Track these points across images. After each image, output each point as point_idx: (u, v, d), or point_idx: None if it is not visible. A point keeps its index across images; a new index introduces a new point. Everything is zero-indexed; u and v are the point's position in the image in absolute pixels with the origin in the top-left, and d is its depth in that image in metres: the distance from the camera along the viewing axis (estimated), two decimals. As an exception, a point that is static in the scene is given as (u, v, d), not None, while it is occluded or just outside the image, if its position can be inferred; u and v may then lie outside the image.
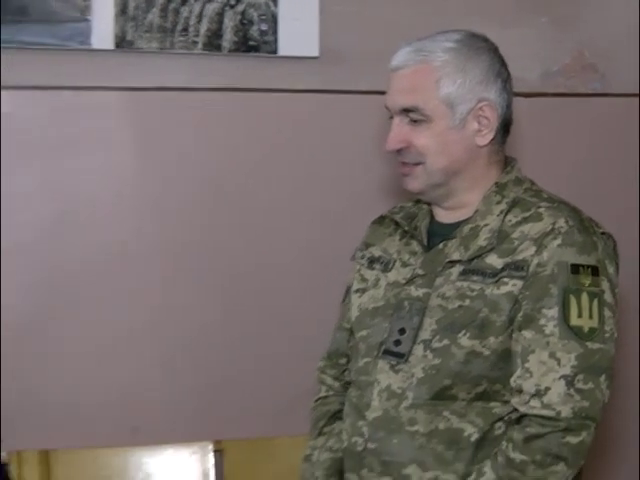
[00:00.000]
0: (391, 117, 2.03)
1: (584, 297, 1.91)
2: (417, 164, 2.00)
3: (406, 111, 1.99)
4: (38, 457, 2.78)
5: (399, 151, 2.01)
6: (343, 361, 2.19)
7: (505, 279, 1.93)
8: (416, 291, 2.02)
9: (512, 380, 1.92)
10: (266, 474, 2.85)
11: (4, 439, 2.55)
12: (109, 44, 2.78)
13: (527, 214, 1.98)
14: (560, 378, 1.87)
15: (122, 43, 2.79)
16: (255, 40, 2.86)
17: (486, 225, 1.99)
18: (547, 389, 1.87)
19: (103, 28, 2.77)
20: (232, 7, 2.84)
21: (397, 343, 2.01)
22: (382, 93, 2.06)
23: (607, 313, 1.93)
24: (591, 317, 1.91)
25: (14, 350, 2.80)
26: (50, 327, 2.84)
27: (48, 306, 2.83)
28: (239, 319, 2.94)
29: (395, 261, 2.10)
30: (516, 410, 1.92)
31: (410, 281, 2.04)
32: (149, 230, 2.89)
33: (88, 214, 2.86)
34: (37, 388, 2.82)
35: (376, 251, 2.15)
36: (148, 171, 2.89)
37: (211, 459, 2.86)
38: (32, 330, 2.82)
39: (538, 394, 1.87)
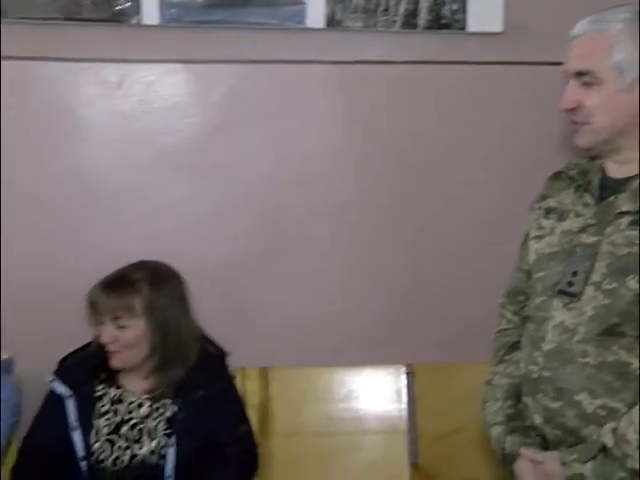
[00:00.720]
0: (568, 81, 1.96)
1: None
2: (585, 123, 1.95)
3: (580, 75, 1.94)
4: (258, 373, 2.85)
5: (572, 111, 1.96)
6: (521, 298, 2.15)
7: (672, 229, 1.85)
8: (587, 238, 1.96)
9: (676, 321, 1.84)
10: (451, 395, 2.84)
11: (232, 356, 2.62)
12: (321, 23, 2.79)
13: (694, 170, 1.88)
14: None
15: (332, 22, 2.79)
16: (447, 18, 2.82)
17: (655, 180, 1.91)
18: None
19: (316, 10, 2.78)
20: (427, -11, 2.81)
21: (570, 284, 1.95)
22: (559, 64, 2.00)
23: None
24: None
25: (238, 285, 2.88)
26: (265, 265, 2.89)
27: (264, 248, 2.89)
28: (432, 262, 2.94)
29: (569, 212, 2.04)
30: (680, 348, 1.84)
31: (582, 229, 1.98)
32: (349, 187, 2.90)
33: (298, 173, 2.89)
34: (259, 316, 2.89)
35: (552, 202, 2.10)
36: (351, 135, 2.90)
37: (403, 380, 2.87)
38: (252, 268, 2.88)
39: (700, 333, 1.80)
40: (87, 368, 2.53)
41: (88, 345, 2.59)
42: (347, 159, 2.90)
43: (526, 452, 1.99)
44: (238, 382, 2.68)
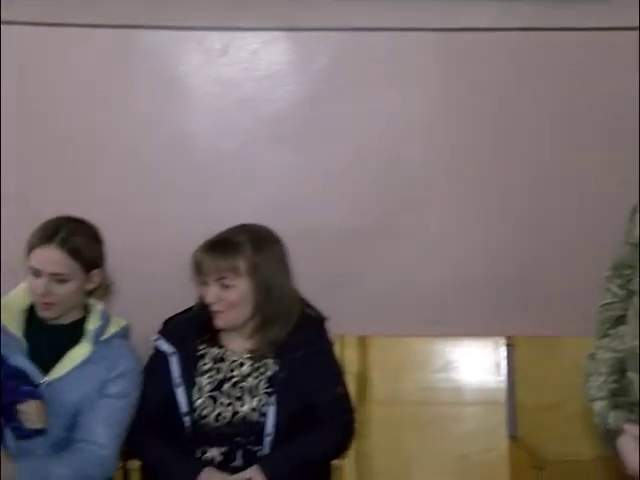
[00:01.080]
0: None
1: None
2: None
3: None
4: (357, 341, 2.84)
5: None
6: (628, 272, 2.08)
7: None
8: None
9: None
10: (552, 368, 2.80)
11: (331, 323, 2.62)
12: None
13: None
14: None
15: (435, -13, 2.76)
16: (555, -16, 2.75)
17: None
18: None
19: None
20: (533, -44, 2.74)
21: (680, 258, 1.89)
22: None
23: None
24: None
25: (339, 252, 2.89)
26: (367, 233, 2.90)
27: (365, 216, 2.89)
28: (535, 233, 2.90)
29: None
30: None
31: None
32: (453, 156, 2.88)
33: (399, 141, 2.87)
34: (359, 284, 2.90)
35: (663, 172, 2.03)
36: (457, 103, 2.87)
37: (503, 352, 2.84)
38: (353, 235, 2.88)
39: None
40: (190, 327, 2.59)
41: (190, 309, 2.64)
42: (451, 126, 2.86)
43: (630, 428, 1.94)
44: (337, 349, 2.70)
